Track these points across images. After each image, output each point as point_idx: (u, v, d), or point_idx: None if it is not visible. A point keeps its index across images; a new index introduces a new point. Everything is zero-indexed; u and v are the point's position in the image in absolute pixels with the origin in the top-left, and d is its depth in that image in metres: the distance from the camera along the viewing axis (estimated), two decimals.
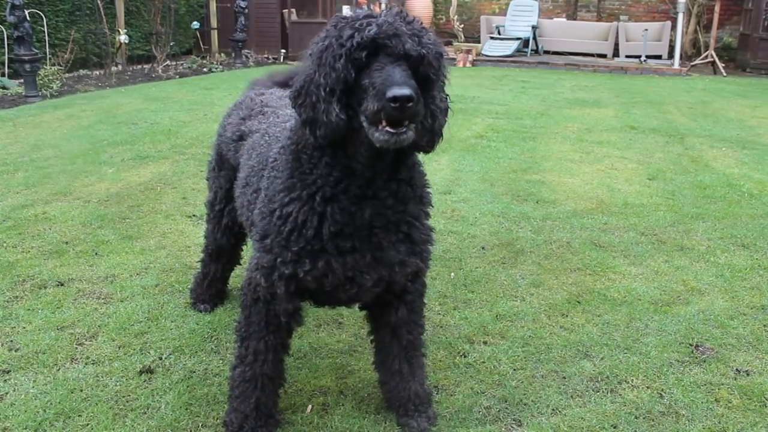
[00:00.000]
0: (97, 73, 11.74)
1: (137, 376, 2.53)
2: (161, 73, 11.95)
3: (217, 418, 2.29)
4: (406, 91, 1.57)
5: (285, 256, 1.91)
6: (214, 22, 15.25)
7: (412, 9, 16.69)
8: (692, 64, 13.70)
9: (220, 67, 13.38)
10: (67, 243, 3.83)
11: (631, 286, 3.39)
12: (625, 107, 8.96)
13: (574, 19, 16.34)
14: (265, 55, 15.37)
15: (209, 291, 3.05)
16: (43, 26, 10.86)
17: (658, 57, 14.47)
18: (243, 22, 13.99)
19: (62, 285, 3.30)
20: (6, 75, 10.19)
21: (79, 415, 2.29)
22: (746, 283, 3.45)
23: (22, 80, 9.39)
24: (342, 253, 1.89)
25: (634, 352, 2.75)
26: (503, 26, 15.55)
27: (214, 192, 2.81)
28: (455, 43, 16.11)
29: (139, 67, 12.94)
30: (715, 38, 14.01)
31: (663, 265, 3.67)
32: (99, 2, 11.60)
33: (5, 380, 2.49)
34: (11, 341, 2.76)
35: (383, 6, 14.84)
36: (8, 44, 10.17)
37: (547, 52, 15.53)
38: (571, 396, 2.46)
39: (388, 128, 1.64)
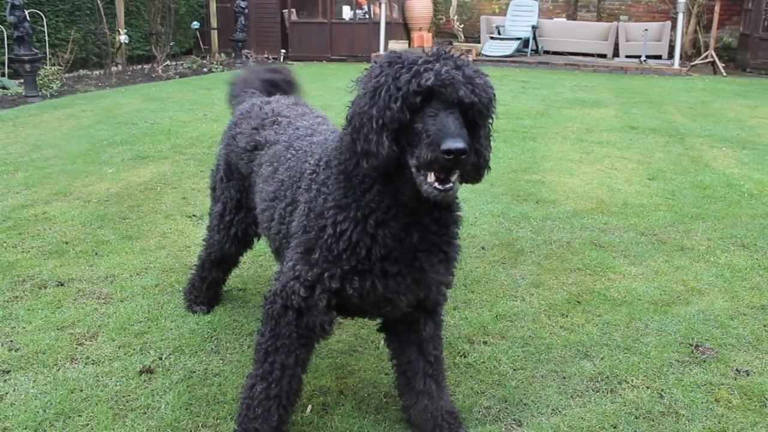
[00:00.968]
0: (97, 73, 11.74)
1: (137, 376, 2.53)
2: (161, 73, 11.95)
3: (217, 418, 2.29)
4: (460, 144, 1.62)
5: (333, 272, 1.93)
6: (214, 22, 15.26)
7: (411, 9, 16.70)
8: (692, 64, 13.70)
9: (220, 67, 13.38)
10: (67, 243, 3.83)
11: (631, 286, 3.39)
12: (625, 107, 8.96)
13: (574, 19, 16.34)
14: (265, 55, 15.38)
15: (207, 293, 3.04)
16: (43, 26, 10.86)
17: (658, 57, 14.47)
18: (243, 22, 14.00)
19: (62, 285, 3.30)
20: (6, 75, 10.19)
21: (79, 415, 2.29)
22: (746, 283, 3.45)
23: (22, 80, 9.40)
24: (386, 276, 1.94)
25: (634, 352, 2.75)
26: (503, 26, 15.55)
27: (223, 203, 2.75)
28: (455, 44, 16.10)
29: (139, 67, 12.94)
30: (715, 38, 14.01)
31: (663, 265, 3.67)
32: (99, 2, 11.60)
33: (5, 380, 2.49)
34: (11, 341, 2.77)
35: (383, 6, 14.85)
36: (8, 44, 10.17)
37: (547, 52, 15.53)
38: (571, 396, 2.46)
39: (436, 184, 1.69)
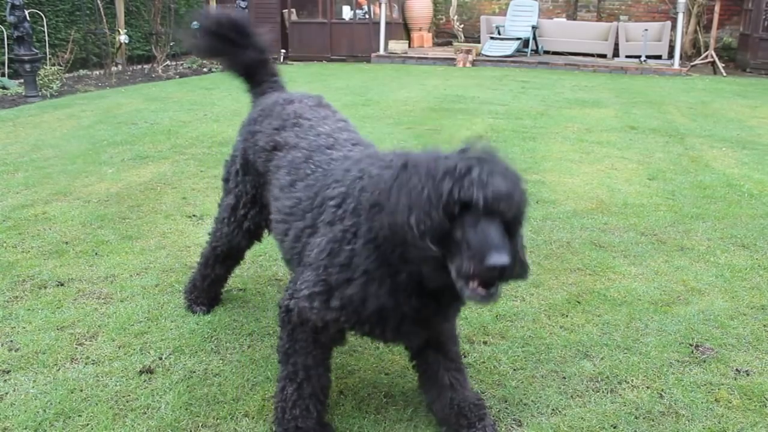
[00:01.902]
0: (97, 73, 11.74)
1: (137, 376, 2.53)
2: (161, 73, 11.95)
3: (217, 418, 2.29)
4: (505, 259, 1.58)
5: (350, 319, 1.96)
6: None
7: (411, 9, 16.71)
8: (692, 64, 13.70)
9: (220, 67, 13.37)
10: (67, 243, 3.83)
11: (631, 286, 3.39)
12: (625, 107, 8.96)
13: (574, 19, 16.34)
14: None
15: (209, 293, 3.02)
16: (43, 26, 10.86)
17: (658, 57, 14.47)
18: None
19: (62, 285, 3.30)
20: (6, 75, 10.20)
21: (79, 415, 2.29)
22: (746, 283, 3.45)
23: (22, 80, 9.40)
24: (399, 330, 1.96)
25: (634, 352, 2.75)
26: (503, 26, 15.55)
27: (236, 196, 2.71)
28: (455, 43, 16.11)
29: (139, 67, 12.94)
30: (715, 38, 14.01)
31: (663, 265, 3.67)
32: (99, 2, 11.60)
33: (5, 380, 2.49)
34: (11, 341, 2.76)
35: (383, 6, 14.86)
36: (8, 44, 10.17)
37: (547, 52, 15.53)
38: (571, 396, 2.46)
39: (479, 290, 1.65)
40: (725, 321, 3.03)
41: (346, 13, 15.60)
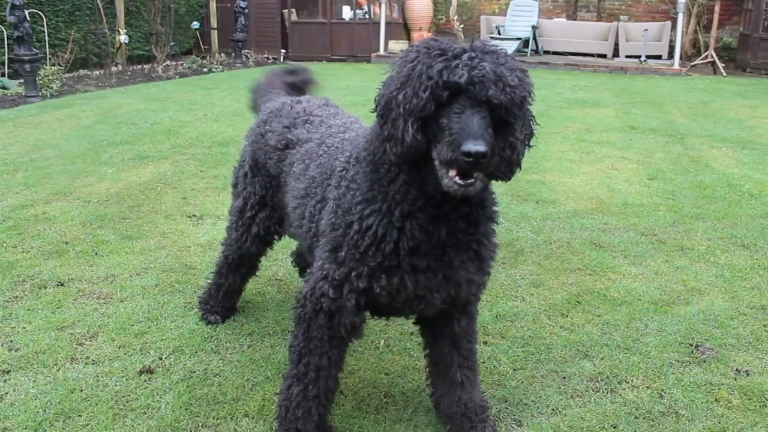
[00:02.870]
0: (97, 73, 11.74)
1: (137, 376, 2.53)
2: (161, 73, 11.95)
3: (217, 418, 2.29)
4: (481, 147, 1.56)
5: (360, 270, 1.90)
6: (214, 22, 15.26)
7: (411, 9, 16.71)
8: (692, 64, 13.70)
9: (220, 67, 13.38)
10: (67, 243, 3.83)
11: (631, 286, 3.39)
12: (625, 107, 8.96)
13: (574, 19, 16.34)
14: (265, 55, 15.38)
15: (223, 302, 2.96)
16: (43, 26, 10.86)
17: (658, 57, 14.47)
18: (243, 22, 14.00)
19: (62, 285, 3.30)
20: (6, 75, 10.20)
21: (79, 415, 2.29)
22: (746, 283, 3.45)
23: (22, 80, 9.40)
24: (415, 271, 1.90)
25: (634, 352, 2.75)
26: (503, 26, 15.55)
27: (244, 199, 2.69)
28: None
29: (139, 67, 12.94)
30: (715, 38, 14.01)
31: (663, 265, 3.67)
32: (99, 2, 11.60)
33: (5, 380, 2.49)
34: (11, 341, 2.76)
35: (383, 6, 14.86)
36: (8, 44, 10.18)
37: (547, 52, 15.53)
38: (571, 396, 2.46)
39: (456, 179, 1.65)
40: (725, 321, 3.03)
41: (346, 13, 15.60)
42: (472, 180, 1.65)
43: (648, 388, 2.51)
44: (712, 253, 3.84)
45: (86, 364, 2.61)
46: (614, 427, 2.28)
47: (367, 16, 15.56)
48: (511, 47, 14.92)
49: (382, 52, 15.21)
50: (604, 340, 2.85)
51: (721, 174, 5.53)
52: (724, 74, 13.13)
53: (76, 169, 5.41)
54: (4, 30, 10.22)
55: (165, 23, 12.87)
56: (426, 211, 1.84)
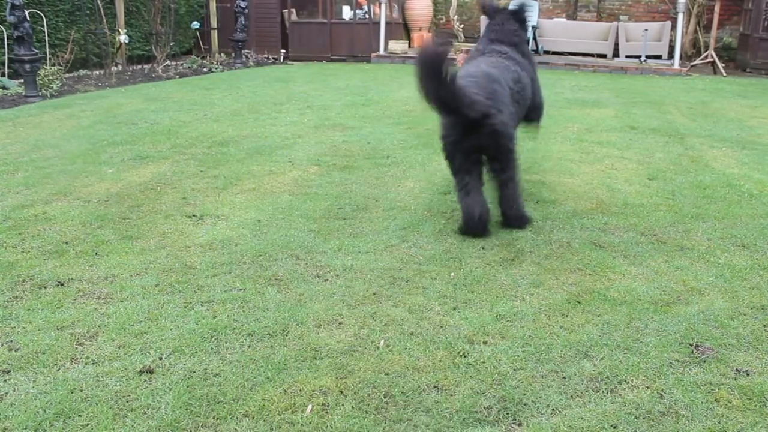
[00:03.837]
0: (97, 73, 11.75)
1: (137, 376, 2.53)
2: (161, 73, 11.95)
3: (217, 418, 2.29)
4: None
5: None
6: (214, 22, 15.26)
7: (411, 9, 16.70)
8: (692, 64, 13.70)
9: (220, 67, 13.38)
10: (67, 243, 3.83)
11: (631, 286, 3.39)
12: (625, 107, 8.97)
13: (574, 19, 16.34)
14: (265, 55, 15.38)
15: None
16: (43, 26, 10.87)
17: (658, 57, 14.47)
18: (243, 22, 14.00)
19: (62, 285, 3.30)
20: (6, 75, 10.20)
21: (79, 415, 2.29)
22: (746, 283, 3.45)
23: (22, 80, 9.40)
24: None
25: (634, 352, 2.75)
26: None
27: None
28: (455, 44, 16.09)
29: (139, 67, 12.94)
30: (715, 38, 14.01)
31: (663, 265, 3.67)
32: (99, 2, 11.60)
33: (5, 380, 2.49)
34: (11, 341, 2.77)
35: (383, 6, 14.85)
36: (8, 44, 10.18)
37: (547, 52, 15.52)
38: (571, 396, 2.46)
39: None
40: (725, 321, 3.03)
41: (346, 13, 15.60)
42: None
43: (648, 388, 2.51)
44: (712, 253, 3.84)
45: (86, 364, 2.61)
46: (614, 427, 2.28)
47: (367, 16, 15.56)
48: None
49: (382, 52, 15.21)
50: (604, 340, 2.85)
51: (721, 174, 5.53)
52: (724, 74, 13.13)
53: (76, 169, 5.41)
54: (4, 30, 10.22)
55: (165, 23, 12.88)
56: None
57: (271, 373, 2.55)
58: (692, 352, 2.76)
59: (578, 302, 3.20)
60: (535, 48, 15.35)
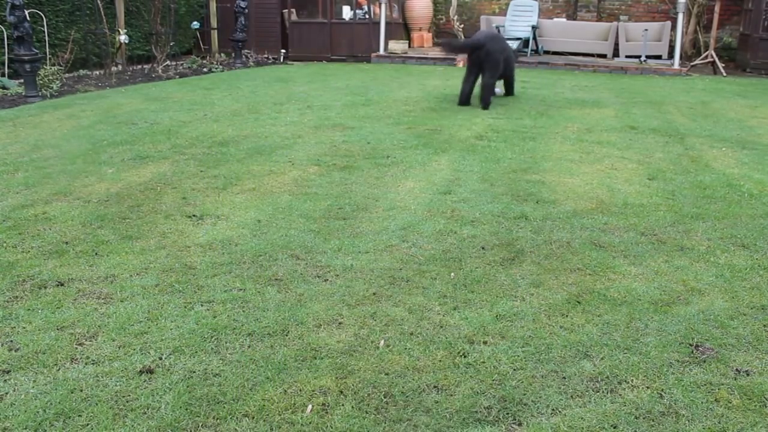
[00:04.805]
0: (97, 73, 11.74)
1: (137, 376, 2.53)
2: (161, 73, 11.95)
3: (217, 418, 2.29)
4: None
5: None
6: (214, 22, 15.25)
7: (411, 9, 16.70)
8: (692, 64, 13.70)
9: (220, 67, 13.38)
10: (67, 243, 3.83)
11: (631, 286, 3.39)
12: (625, 107, 8.97)
13: (574, 20, 16.33)
14: (265, 55, 15.38)
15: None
16: (43, 26, 10.86)
17: (658, 57, 14.46)
18: (243, 22, 14.00)
19: (62, 285, 3.30)
20: (6, 75, 10.20)
21: (79, 415, 2.29)
22: (746, 283, 3.45)
23: (22, 80, 9.40)
24: None
25: (634, 352, 2.76)
26: (503, 26, 15.54)
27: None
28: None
29: (139, 67, 12.94)
30: (715, 38, 14.01)
31: (663, 265, 3.67)
32: (99, 2, 11.60)
33: (5, 380, 2.49)
34: (11, 341, 2.77)
35: (383, 6, 14.85)
36: (8, 44, 10.18)
37: (547, 52, 15.52)
38: (571, 396, 2.46)
39: None
40: (725, 321, 3.03)
41: (346, 13, 15.59)
42: None
43: (648, 388, 2.51)
44: (712, 253, 3.84)
45: (86, 364, 2.61)
46: (614, 427, 2.29)
47: (367, 17, 15.56)
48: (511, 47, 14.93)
49: (382, 52, 15.21)
50: (604, 340, 2.85)
51: (721, 174, 5.53)
52: (724, 74, 13.13)
53: (76, 169, 5.41)
54: (4, 30, 10.22)
55: (165, 23, 12.87)
56: None
57: (271, 373, 2.55)
58: (692, 352, 2.76)
59: (578, 302, 3.20)
60: (535, 48, 15.36)
